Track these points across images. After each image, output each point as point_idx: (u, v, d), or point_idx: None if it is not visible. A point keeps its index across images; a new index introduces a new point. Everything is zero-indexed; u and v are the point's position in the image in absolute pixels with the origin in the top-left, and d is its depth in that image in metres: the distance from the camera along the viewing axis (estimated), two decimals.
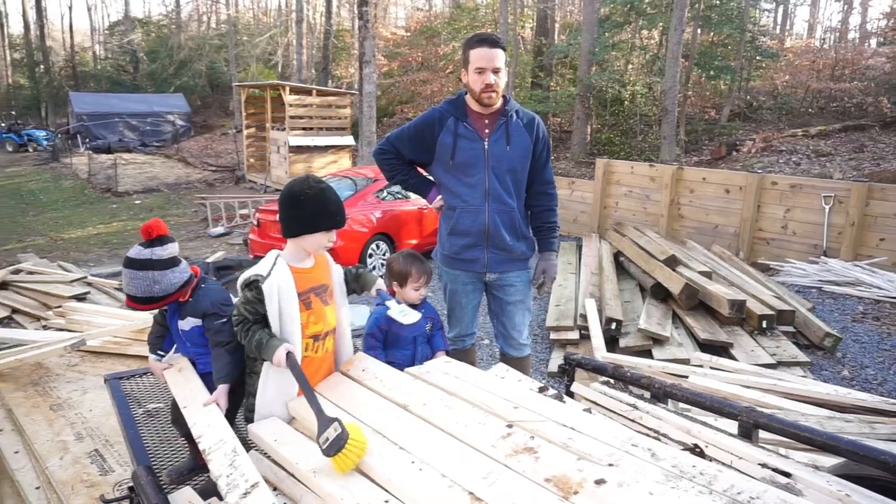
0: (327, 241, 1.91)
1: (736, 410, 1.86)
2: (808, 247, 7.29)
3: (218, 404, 1.87)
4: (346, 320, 2.11)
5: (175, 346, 2.20)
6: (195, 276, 2.08)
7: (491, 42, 2.71)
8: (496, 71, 2.68)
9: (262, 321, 1.84)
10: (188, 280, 2.03)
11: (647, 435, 1.68)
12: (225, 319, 1.99)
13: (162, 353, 2.21)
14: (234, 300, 1.97)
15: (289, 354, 1.75)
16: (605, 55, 15.91)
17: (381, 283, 2.12)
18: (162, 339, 2.19)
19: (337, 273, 2.08)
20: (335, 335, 2.04)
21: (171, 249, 2.01)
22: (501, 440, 1.40)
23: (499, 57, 2.69)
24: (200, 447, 1.72)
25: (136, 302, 1.97)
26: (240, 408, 2.03)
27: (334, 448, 1.45)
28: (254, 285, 1.81)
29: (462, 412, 1.55)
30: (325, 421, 1.53)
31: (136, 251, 1.97)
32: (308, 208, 1.85)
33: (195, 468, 2.10)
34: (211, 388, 1.96)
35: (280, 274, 1.83)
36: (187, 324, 2.06)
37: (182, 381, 2.05)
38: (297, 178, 1.93)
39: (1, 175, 19.29)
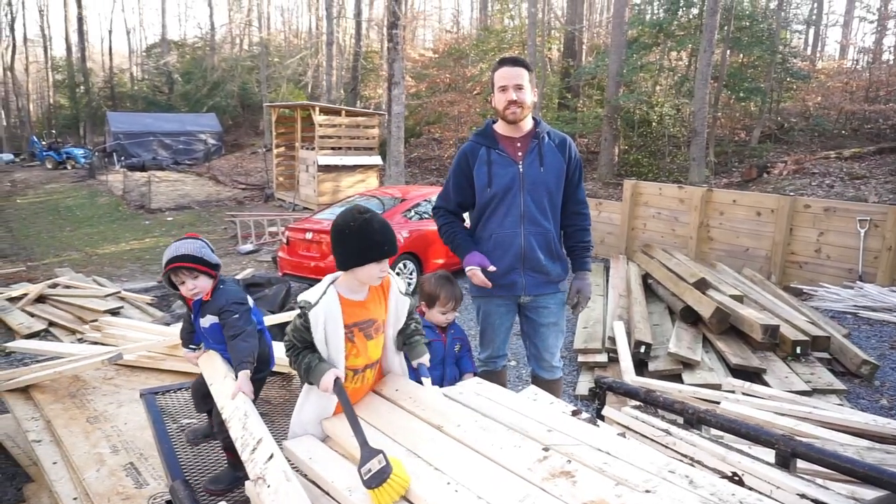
0: (379, 272, 1.86)
1: (773, 439, 1.83)
2: (842, 271, 7.14)
3: (244, 392, 1.95)
4: (397, 357, 2.08)
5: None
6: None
7: (512, 62, 2.79)
8: (518, 87, 2.73)
9: (311, 347, 1.85)
10: (217, 266, 2.19)
11: (682, 461, 1.66)
12: (238, 315, 2.13)
13: (194, 346, 2.40)
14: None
15: (336, 380, 1.76)
16: (633, 76, 15.90)
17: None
18: (192, 334, 2.38)
19: (395, 304, 1.99)
20: (378, 367, 2.03)
21: None
22: (538, 463, 1.40)
23: (521, 74, 2.74)
24: (224, 416, 1.87)
25: (182, 260, 2.10)
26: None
27: (377, 480, 1.43)
28: (302, 312, 1.83)
29: (497, 434, 1.56)
30: (369, 452, 1.51)
31: None
32: (354, 241, 1.82)
33: (210, 434, 2.32)
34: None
35: (328, 303, 1.83)
36: (207, 321, 2.20)
37: (210, 364, 2.24)
38: (343, 211, 1.89)
39: (40, 191, 19.91)
